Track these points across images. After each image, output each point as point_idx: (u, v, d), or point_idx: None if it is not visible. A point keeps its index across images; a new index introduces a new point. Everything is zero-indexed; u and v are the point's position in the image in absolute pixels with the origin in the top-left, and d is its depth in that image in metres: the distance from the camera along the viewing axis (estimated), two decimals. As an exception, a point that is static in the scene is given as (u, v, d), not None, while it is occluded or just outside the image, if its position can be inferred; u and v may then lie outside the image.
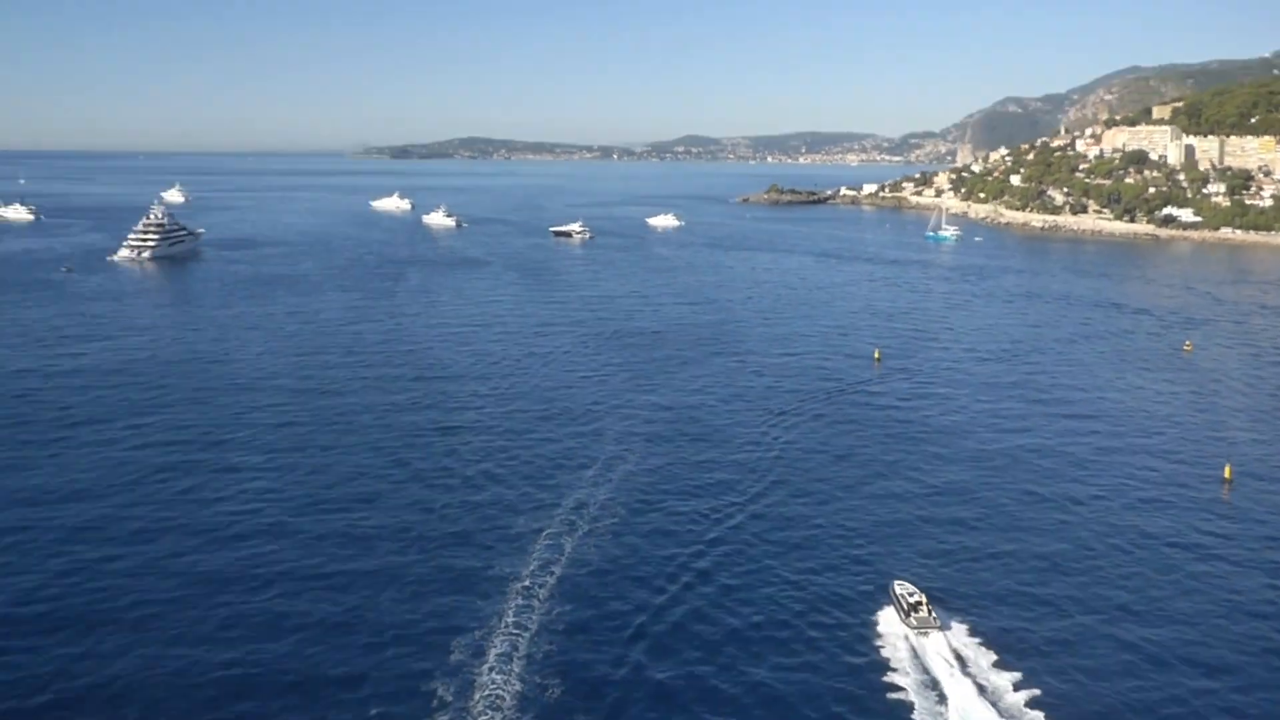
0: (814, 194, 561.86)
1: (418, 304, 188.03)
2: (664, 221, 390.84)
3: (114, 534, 72.89)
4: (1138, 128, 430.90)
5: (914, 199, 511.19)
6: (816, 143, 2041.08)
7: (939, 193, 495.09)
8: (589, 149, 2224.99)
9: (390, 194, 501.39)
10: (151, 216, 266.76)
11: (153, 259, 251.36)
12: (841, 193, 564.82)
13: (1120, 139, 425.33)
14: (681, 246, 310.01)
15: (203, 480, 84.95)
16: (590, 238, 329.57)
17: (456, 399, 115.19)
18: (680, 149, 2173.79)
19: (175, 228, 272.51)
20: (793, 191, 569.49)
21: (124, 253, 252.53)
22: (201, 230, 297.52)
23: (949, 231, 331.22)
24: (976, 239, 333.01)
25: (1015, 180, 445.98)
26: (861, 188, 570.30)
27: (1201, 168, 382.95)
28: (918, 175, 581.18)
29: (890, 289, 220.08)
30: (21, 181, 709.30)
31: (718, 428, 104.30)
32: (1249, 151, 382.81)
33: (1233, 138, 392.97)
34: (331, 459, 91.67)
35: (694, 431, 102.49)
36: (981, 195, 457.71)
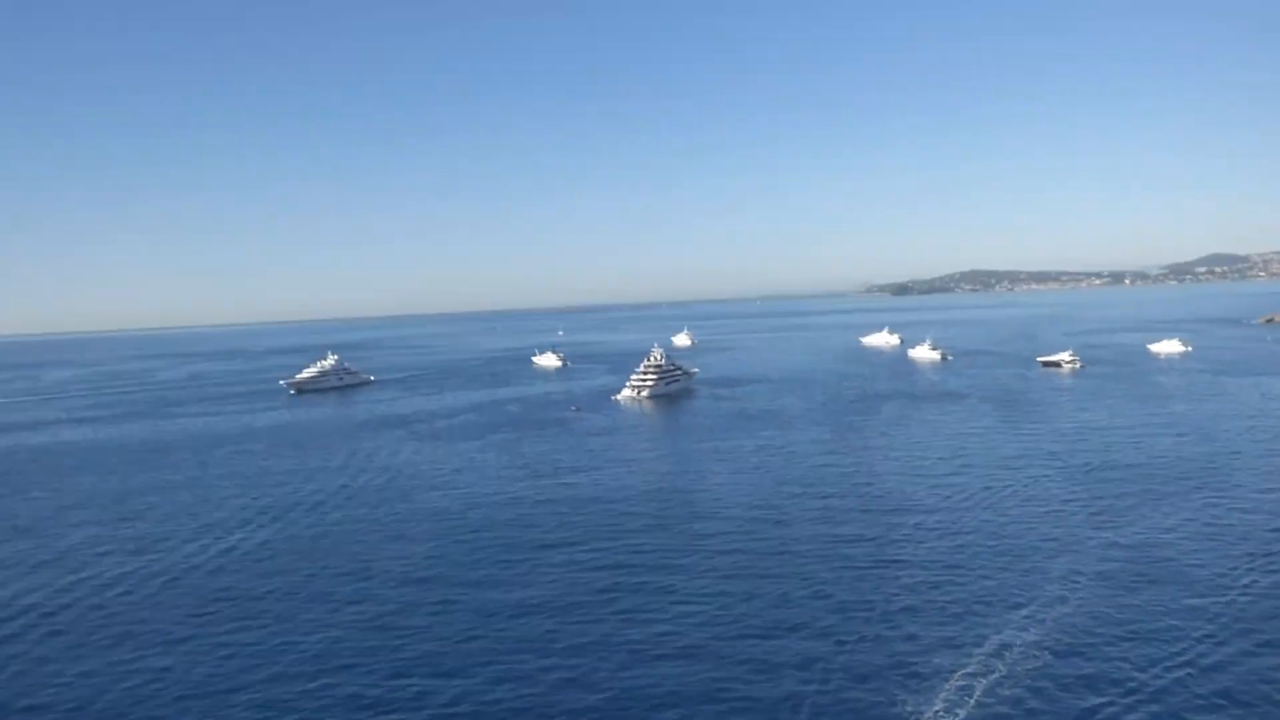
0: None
1: (886, 437, 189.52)
2: (1167, 347, 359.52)
3: (550, 648, 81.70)
4: None
5: None
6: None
7: None
8: (1098, 275, 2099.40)
9: (880, 330, 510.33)
10: (651, 359, 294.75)
11: (650, 397, 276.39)
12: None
13: None
14: (1183, 374, 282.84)
15: (641, 601, 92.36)
16: (1080, 367, 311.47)
17: (900, 531, 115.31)
18: (1202, 269, 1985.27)
19: (672, 368, 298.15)
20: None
21: (626, 392, 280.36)
22: (696, 370, 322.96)
23: None
24: None
25: None
26: None
27: None
28: None
29: None
30: (560, 333, 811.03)
31: (1181, 570, 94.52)
32: None
33: None
34: (763, 587, 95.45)
35: (1152, 573, 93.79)
36: None
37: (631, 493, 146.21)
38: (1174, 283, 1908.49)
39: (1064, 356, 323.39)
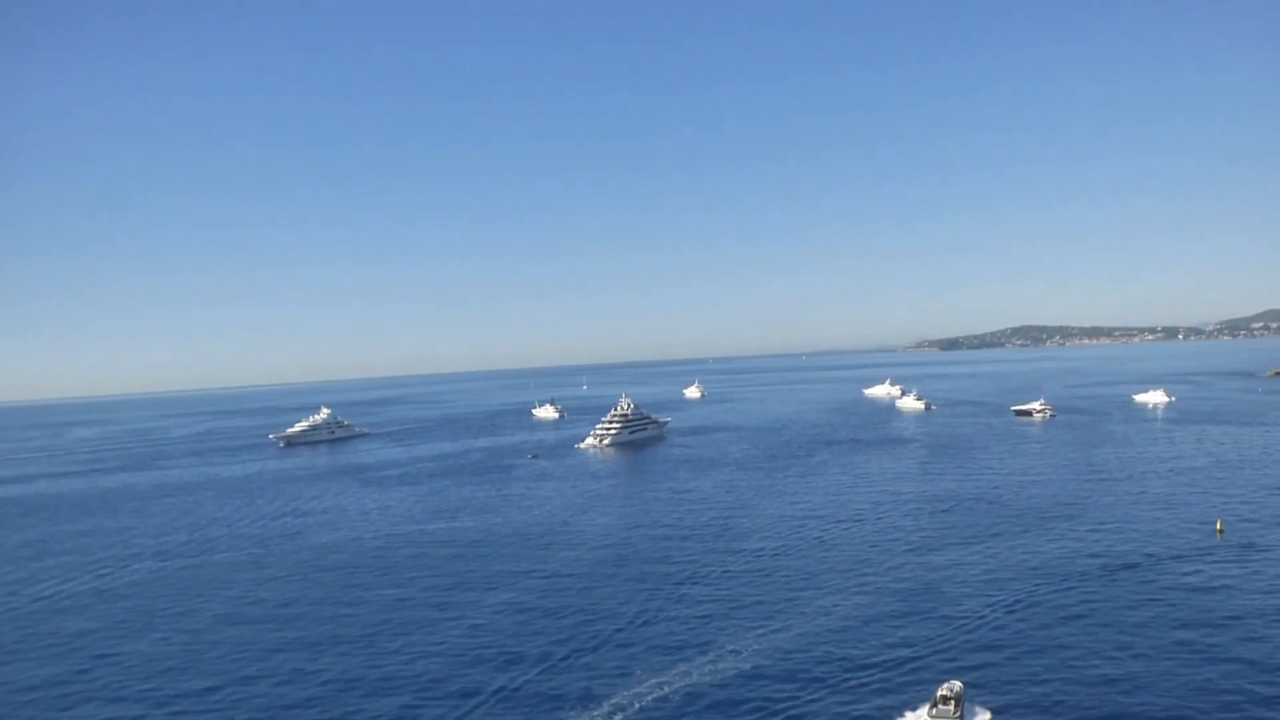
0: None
1: (794, 479, 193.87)
2: (1151, 397, 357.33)
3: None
4: None
5: None
6: None
7: None
8: (1151, 330, 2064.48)
9: (883, 382, 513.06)
10: (618, 408, 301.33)
11: (611, 444, 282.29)
12: None
13: None
14: (1143, 423, 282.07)
15: (446, 616, 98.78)
16: (1050, 415, 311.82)
17: (720, 559, 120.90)
18: (1258, 325, 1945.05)
19: (640, 417, 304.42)
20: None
21: (589, 440, 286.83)
22: (668, 419, 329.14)
23: None
24: None
25: None
26: None
27: None
28: None
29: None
30: (583, 387, 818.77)
31: (934, 601, 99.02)
32: None
33: None
34: (553, 601, 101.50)
35: (905, 606, 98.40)
36: None
37: (503, 529, 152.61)
38: (1228, 338, 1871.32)
39: (1035, 405, 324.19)
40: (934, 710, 66.33)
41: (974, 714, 67.12)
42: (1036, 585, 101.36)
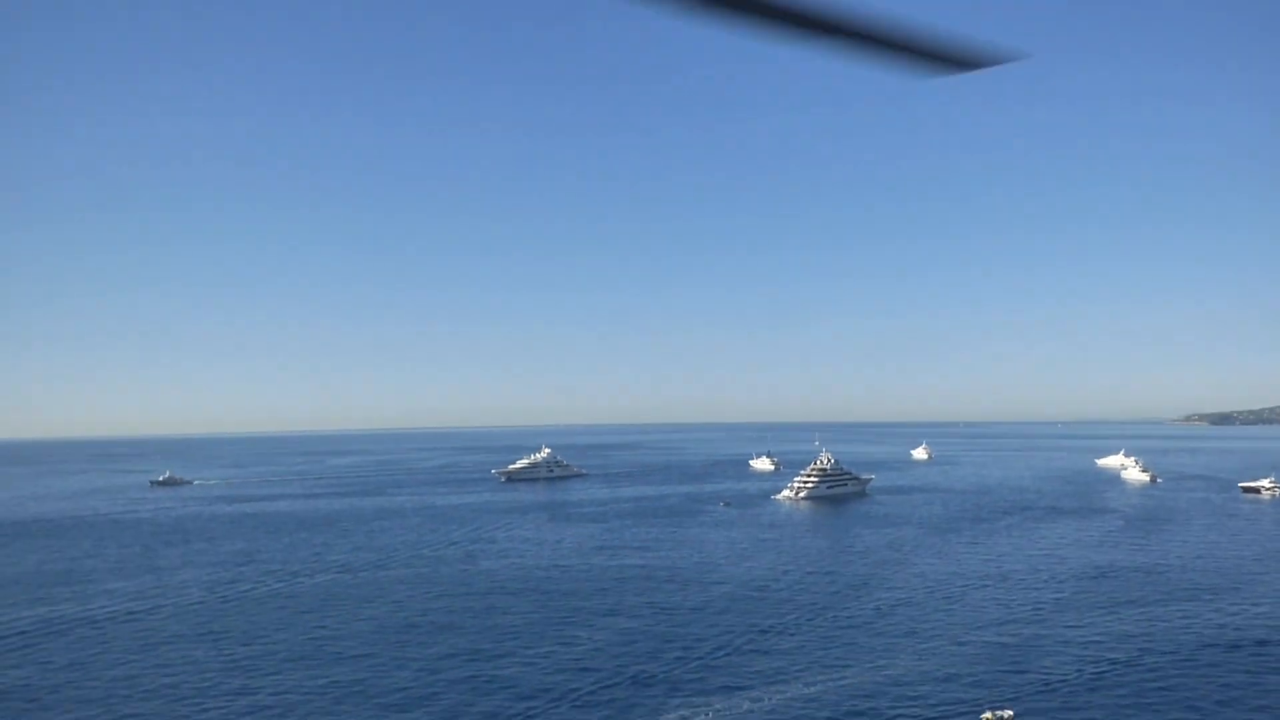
0: None
1: (961, 541, 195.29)
2: None
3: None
4: None
5: None
6: None
7: None
8: None
9: (1116, 453, 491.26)
10: (817, 463, 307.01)
11: (809, 498, 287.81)
12: None
13: None
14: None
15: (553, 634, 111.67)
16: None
17: (847, 609, 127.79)
18: None
19: (840, 473, 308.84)
20: None
21: (785, 492, 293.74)
22: (870, 477, 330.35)
23: None
24: None
25: None
26: None
27: None
28: None
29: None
30: (815, 443, 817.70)
31: (1027, 657, 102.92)
32: None
33: None
34: (659, 627, 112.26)
35: (991, 674, 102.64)
36: None
37: (656, 566, 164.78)
38: None
39: (1265, 483, 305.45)
40: None
41: None
42: (1142, 651, 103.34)
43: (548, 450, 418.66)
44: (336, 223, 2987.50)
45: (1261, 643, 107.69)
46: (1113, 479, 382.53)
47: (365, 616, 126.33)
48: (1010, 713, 78.65)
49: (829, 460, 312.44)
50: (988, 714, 78.38)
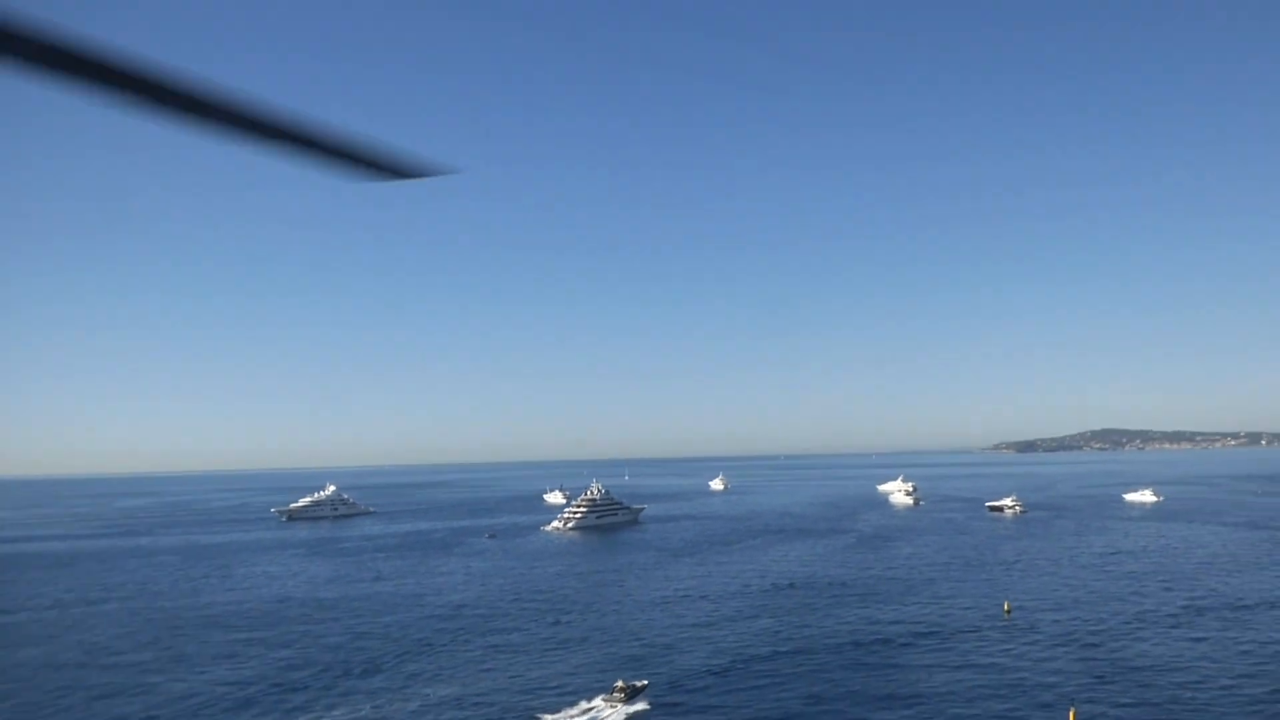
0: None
1: (681, 564, 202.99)
2: (1140, 497, 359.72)
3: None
4: None
5: None
6: None
7: None
8: (1234, 436, 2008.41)
9: (896, 479, 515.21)
10: (587, 494, 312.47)
11: (577, 528, 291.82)
12: None
13: None
14: (1107, 519, 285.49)
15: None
16: (1021, 512, 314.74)
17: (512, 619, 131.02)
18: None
19: (610, 503, 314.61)
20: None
21: (555, 524, 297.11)
22: (642, 507, 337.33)
23: None
24: None
25: None
26: None
27: None
28: None
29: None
30: (625, 478, 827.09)
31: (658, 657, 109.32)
32: None
33: None
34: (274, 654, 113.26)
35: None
36: None
37: (379, 594, 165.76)
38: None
39: (1007, 502, 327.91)
40: (609, 697, 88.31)
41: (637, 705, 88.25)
42: (774, 648, 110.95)
43: (333, 488, 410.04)
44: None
45: (886, 641, 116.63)
46: (881, 502, 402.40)
47: (52, 652, 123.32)
48: (645, 682, 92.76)
49: (599, 491, 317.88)
50: (620, 682, 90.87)
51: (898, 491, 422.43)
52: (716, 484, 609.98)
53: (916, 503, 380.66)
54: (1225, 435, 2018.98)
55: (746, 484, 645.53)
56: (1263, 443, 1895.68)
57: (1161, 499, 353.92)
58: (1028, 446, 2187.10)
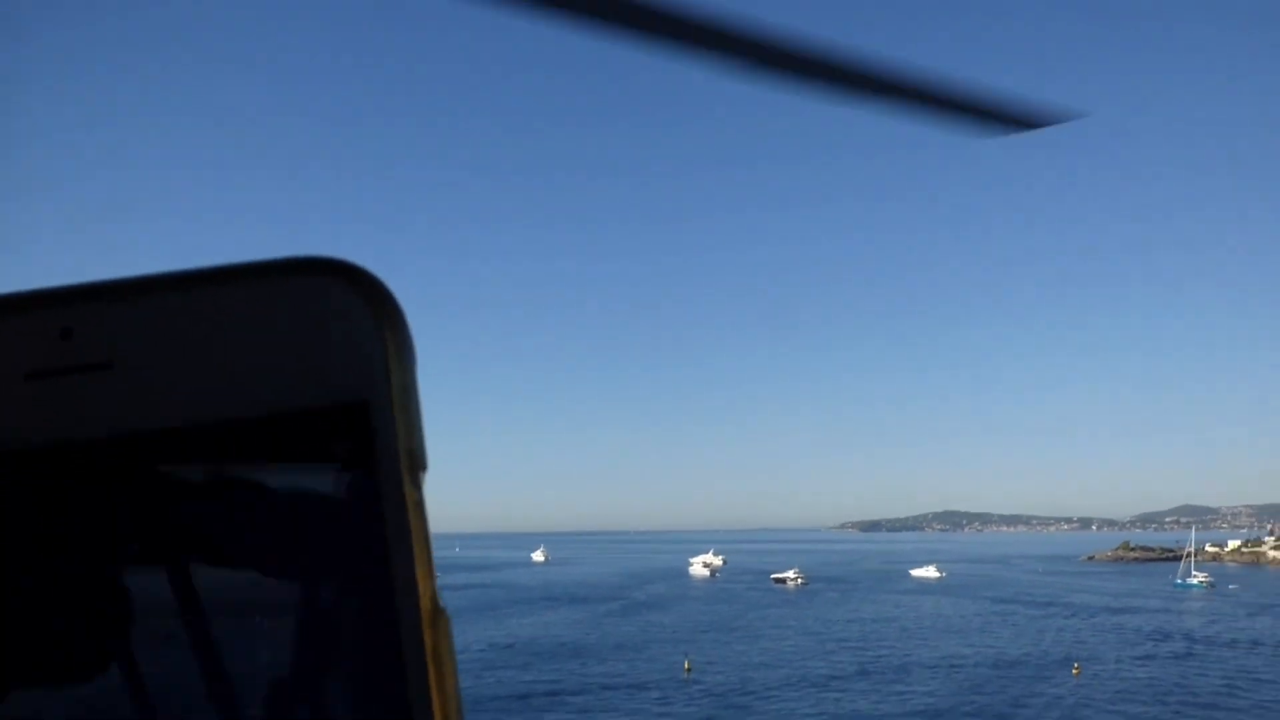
0: (1170, 551, 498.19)
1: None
2: (924, 572, 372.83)
3: None
4: None
5: (1273, 553, 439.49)
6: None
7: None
8: (1067, 520, 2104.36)
9: (707, 551, 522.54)
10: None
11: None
12: (1206, 548, 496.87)
13: None
14: (883, 592, 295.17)
15: None
16: (803, 583, 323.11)
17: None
18: (1170, 519, 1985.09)
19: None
20: (1143, 549, 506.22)
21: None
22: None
23: (1199, 579, 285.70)
24: (1231, 587, 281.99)
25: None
26: (1226, 543, 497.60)
27: None
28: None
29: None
30: (456, 550, 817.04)
31: None
32: None
33: None
34: None
35: None
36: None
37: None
38: (1139, 530, 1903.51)
39: (790, 574, 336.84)
40: None
41: None
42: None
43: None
44: None
45: (549, 693, 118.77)
46: (680, 573, 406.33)
47: None
48: None
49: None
50: None
51: (698, 564, 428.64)
52: (538, 556, 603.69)
53: (713, 575, 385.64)
54: (1060, 519, 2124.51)
55: (571, 556, 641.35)
56: (1093, 528, 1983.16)
57: (944, 575, 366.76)
58: (872, 526, 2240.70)
